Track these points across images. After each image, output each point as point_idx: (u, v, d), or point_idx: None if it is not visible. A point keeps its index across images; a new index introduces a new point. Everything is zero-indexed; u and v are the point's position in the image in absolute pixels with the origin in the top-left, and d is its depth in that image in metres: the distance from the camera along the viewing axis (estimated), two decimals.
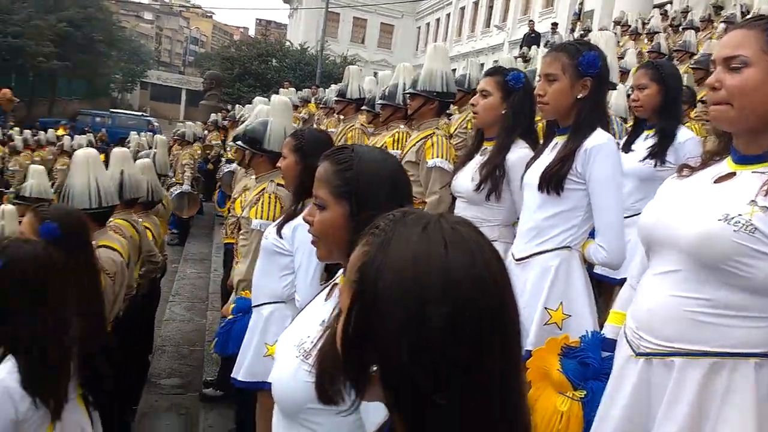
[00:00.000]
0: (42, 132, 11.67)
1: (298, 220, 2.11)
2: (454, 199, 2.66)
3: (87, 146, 6.23)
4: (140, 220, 3.40)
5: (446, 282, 0.65)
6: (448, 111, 4.25)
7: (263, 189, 2.82)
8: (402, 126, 3.74)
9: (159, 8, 59.45)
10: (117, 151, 3.48)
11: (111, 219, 2.82)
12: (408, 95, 3.42)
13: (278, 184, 2.74)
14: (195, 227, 8.62)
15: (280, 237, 2.21)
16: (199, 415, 3.70)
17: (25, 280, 1.73)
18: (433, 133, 3.04)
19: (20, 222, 2.69)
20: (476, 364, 0.65)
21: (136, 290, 3.11)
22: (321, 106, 7.74)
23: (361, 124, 4.91)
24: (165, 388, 4.12)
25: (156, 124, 25.06)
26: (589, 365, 1.60)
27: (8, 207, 3.26)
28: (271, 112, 3.12)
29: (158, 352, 4.70)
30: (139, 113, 31.82)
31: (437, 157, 2.92)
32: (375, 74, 6.64)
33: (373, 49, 35.75)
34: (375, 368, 0.68)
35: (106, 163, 3.13)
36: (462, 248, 0.67)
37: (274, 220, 2.52)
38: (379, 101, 4.01)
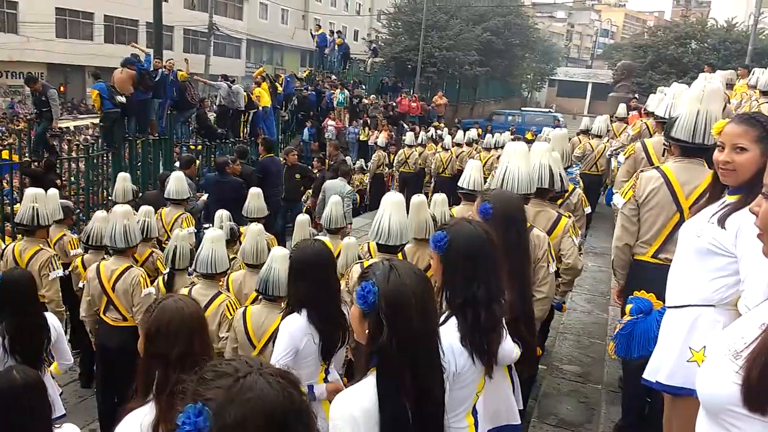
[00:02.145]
0: (461, 132, 13.39)
1: (741, 218, 1.92)
2: None
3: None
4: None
5: None
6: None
7: None
8: None
9: (572, 5, 60.49)
10: (537, 145, 3.77)
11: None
12: None
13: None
14: (596, 220, 8.57)
15: (723, 227, 2.04)
16: (601, 405, 3.71)
17: (465, 253, 2.04)
18: None
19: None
20: None
21: None
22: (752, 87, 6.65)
23: None
24: (566, 374, 4.28)
25: (561, 119, 25.73)
26: None
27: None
28: (702, 99, 2.85)
29: (560, 338, 4.89)
30: (546, 110, 33.19)
31: None
32: None
33: None
34: None
35: None
36: None
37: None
38: None
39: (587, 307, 5.62)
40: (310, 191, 10.00)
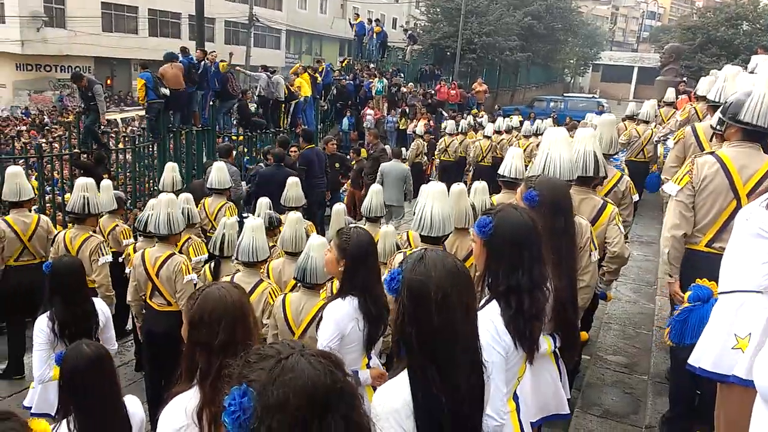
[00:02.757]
0: (500, 119, 13.15)
1: None
2: None
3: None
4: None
5: None
6: None
7: None
8: None
9: None
10: (581, 131, 3.66)
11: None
12: None
13: None
14: (642, 208, 8.32)
15: None
16: (647, 396, 3.61)
17: (511, 239, 2.00)
18: None
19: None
20: None
21: None
22: None
23: None
24: (611, 365, 4.18)
25: (606, 105, 25.01)
26: None
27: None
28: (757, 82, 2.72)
29: (604, 328, 4.78)
30: (590, 95, 32.37)
31: None
32: None
33: None
34: None
35: None
36: None
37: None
38: None
39: (633, 297, 5.47)
40: (349, 181, 10.06)
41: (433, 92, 19.11)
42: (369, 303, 2.61)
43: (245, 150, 11.53)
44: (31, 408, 3.40)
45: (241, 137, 12.01)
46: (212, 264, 4.38)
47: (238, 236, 4.15)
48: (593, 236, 3.01)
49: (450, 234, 3.35)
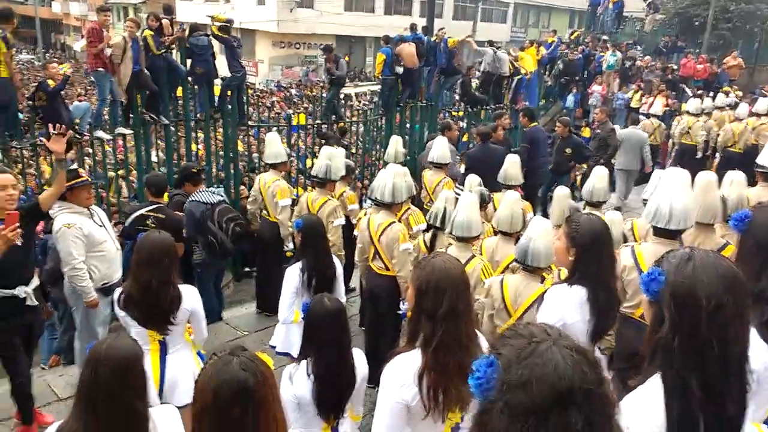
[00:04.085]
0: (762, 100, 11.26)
1: None
2: None
3: None
4: None
5: None
6: None
7: None
8: None
9: None
10: None
11: None
12: None
13: None
14: None
15: None
16: None
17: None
18: None
19: None
20: None
21: None
22: None
23: None
24: None
25: None
26: None
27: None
28: None
29: None
30: None
31: None
32: None
33: None
34: None
35: None
36: None
37: None
38: None
39: None
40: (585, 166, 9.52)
41: (675, 66, 17.10)
42: (599, 294, 2.50)
43: (464, 125, 11.70)
44: (275, 347, 3.97)
45: (461, 113, 12.19)
46: (428, 235, 4.58)
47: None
48: None
49: (689, 229, 3.03)
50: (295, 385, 2.46)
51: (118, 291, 3.17)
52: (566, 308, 2.53)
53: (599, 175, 4.72)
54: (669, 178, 2.95)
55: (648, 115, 11.84)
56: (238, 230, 5.35)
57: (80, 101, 9.36)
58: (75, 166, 5.14)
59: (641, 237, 3.95)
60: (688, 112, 10.68)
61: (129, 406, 1.83)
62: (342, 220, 5.14)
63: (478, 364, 1.06)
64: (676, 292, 1.37)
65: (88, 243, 4.17)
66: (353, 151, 10.50)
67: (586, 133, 13.49)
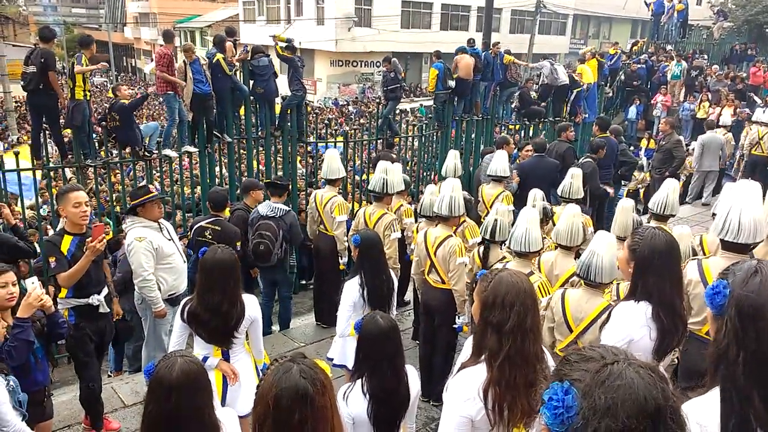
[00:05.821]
0: None
1: None
2: None
3: None
4: None
5: None
6: None
7: None
8: None
9: None
10: None
11: None
12: None
13: None
14: None
15: None
16: None
17: None
18: None
19: None
20: None
21: None
22: None
23: None
24: None
25: None
26: None
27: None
28: None
29: None
30: None
31: None
32: None
33: None
34: None
35: None
36: None
37: None
38: None
39: None
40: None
41: (744, 75, 16.33)
42: (663, 314, 2.39)
43: (520, 139, 11.55)
44: (332, 359, 4.01)
45: (517, 126, 12.05)
46: (482, 248, 4.53)
47: (511, 225, 4.21)
48: None
49: (760, 243, 2.89)
50: (350, 405, 2.47)
51: (183, 302, 3.29)
52: (633, 325, 2.44)
53: (672, 188, 4.54)
54: (739, 190, 2.82)
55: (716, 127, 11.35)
56: (261, 249, 5.46)
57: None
58: (144, 182, 5.40)
59: (711, 252, 3.79)
60: (758, 122, 10.16)
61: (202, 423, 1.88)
62: (398, 234, 5.18)
63: (552, 392, 1.02)
64: (741, 306, 1.33)
65: (157, 255, 4.36)
66: (407, 165, 10.54)
67: (651, 144, 13.06)
